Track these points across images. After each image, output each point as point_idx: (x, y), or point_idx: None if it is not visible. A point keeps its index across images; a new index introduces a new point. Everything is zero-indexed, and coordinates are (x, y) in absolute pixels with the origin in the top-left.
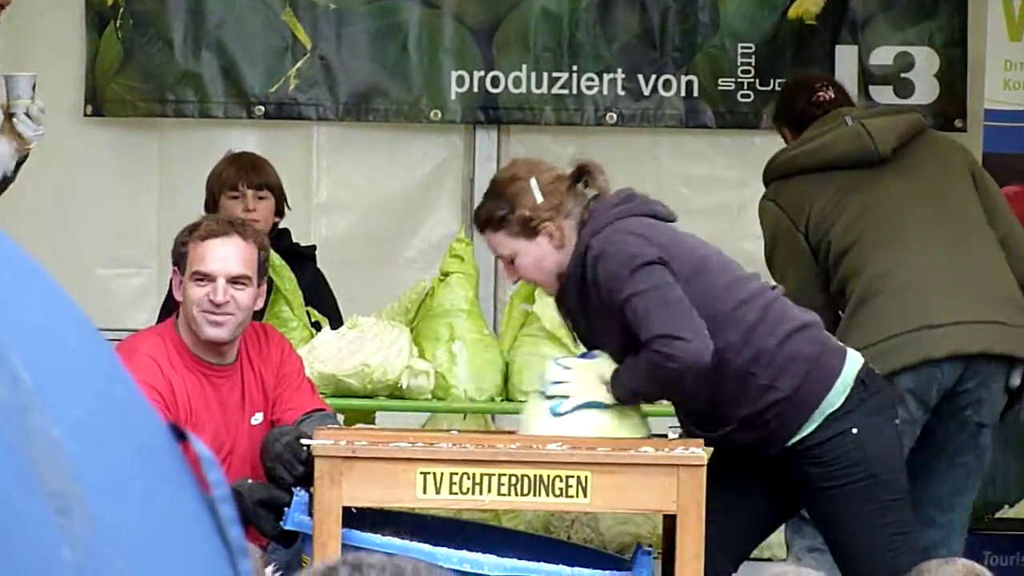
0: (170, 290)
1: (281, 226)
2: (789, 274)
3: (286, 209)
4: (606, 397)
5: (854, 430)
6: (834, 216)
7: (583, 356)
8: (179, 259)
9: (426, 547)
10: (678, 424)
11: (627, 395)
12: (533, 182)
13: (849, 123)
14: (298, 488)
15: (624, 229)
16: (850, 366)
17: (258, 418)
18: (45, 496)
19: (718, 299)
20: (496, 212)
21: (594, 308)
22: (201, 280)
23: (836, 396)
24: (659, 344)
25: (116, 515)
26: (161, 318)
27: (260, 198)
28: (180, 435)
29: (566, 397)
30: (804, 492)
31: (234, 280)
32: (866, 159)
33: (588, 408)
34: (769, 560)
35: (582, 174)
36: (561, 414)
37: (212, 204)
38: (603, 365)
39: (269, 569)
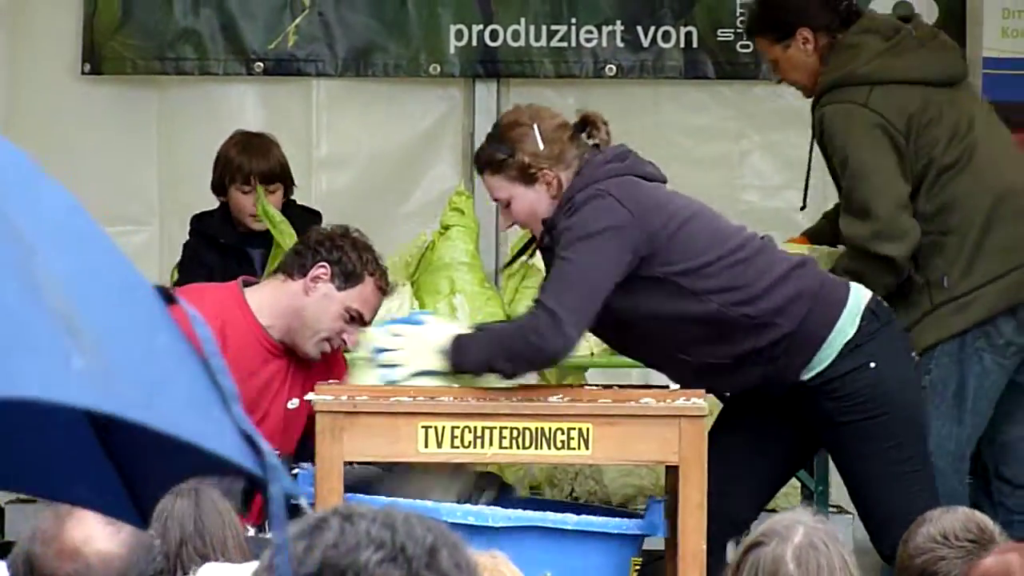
0: (190, 258)
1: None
2: (881, 168)
3: (294, 188)
4: (441, 364)
5: (872, 364)
6: (937, 131)
7: (407, 321)
8: (347, 273)
9: (430, 503)
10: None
11: (467, 366)
12: (536, 129)
13: (914, 39)
14: (301, 462)
15: (606, 188)
16: (855, 296)
17: (295, 403)
18: (52, 313)
19: (705, 249)
20: (496, 155)
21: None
22: (351, 319)
23: (847, 324)
24: (538, 313)
25: (117, 346)
26: (182, 279)
27: (271, 191)
28: (169, 298)
29: (396, 365)
30: (821, 427)
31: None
32: (952, 79)
33: (422, 376)
34: (775, 512)
35: (586, 124)
36: (396, 382)
37: (220, 188)
38: (434, 330)
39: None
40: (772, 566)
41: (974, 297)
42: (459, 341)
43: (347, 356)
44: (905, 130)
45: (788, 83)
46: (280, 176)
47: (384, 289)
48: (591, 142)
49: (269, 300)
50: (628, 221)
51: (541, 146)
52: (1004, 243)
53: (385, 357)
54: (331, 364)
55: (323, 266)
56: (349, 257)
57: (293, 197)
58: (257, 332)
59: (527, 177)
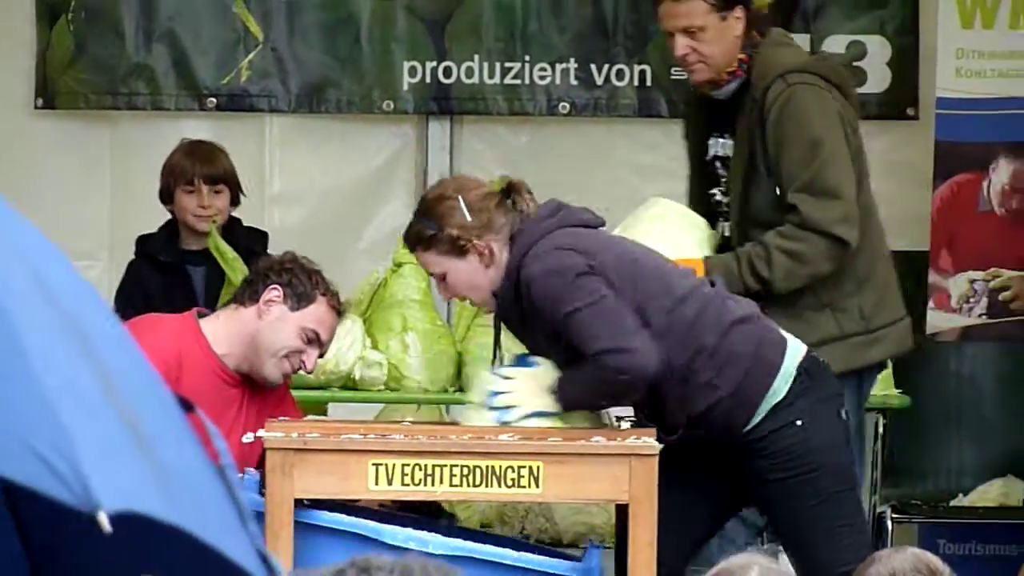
0: (131, 279)
1: (234, 215)
2: (846, 154)
3: (241, 197)
4: (552, 405)
5: (798, 422)
6: (860, 155)
7: (519, 363)
8: (300, 294)
9: (372, 523)
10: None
11: (572, 403)
12: (461, 200)
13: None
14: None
15: (553, 244)
16: (791, 357)
17: (249, 437)
18: (124, 419)
19: (655, 300)
20: (425, 232)
21: (534, 325)
22: (308, 339)
23: (780, 387)
24: (606, 358)
25: (170, 457)
26: (117, 306)
27: (216, 192)
28: (187, 407)
29: (511, 407)
30: (752, 483)
31: (322, 354)
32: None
33: (537, 417)
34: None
35: (510, 192)
36: (510, 423)
37: (167, 195)
38: (545, 372)
39: None
40: None
41: (883, 335)
42: (562, 381)
43: (465, 401)
44: (853, 131)
45: (687, 61)
46: (225, 179)
47: (338, 309)
48: (517, 209)
49: (224, 329)
50: (584, 261)
51: (468, 217)
52: (897, 286)
53: (499, 400)
54: (283, 398)
55: (275, 288)
56: (299, 279)
57: (239, 218)
58: (212, 362)
59: (458, 250)
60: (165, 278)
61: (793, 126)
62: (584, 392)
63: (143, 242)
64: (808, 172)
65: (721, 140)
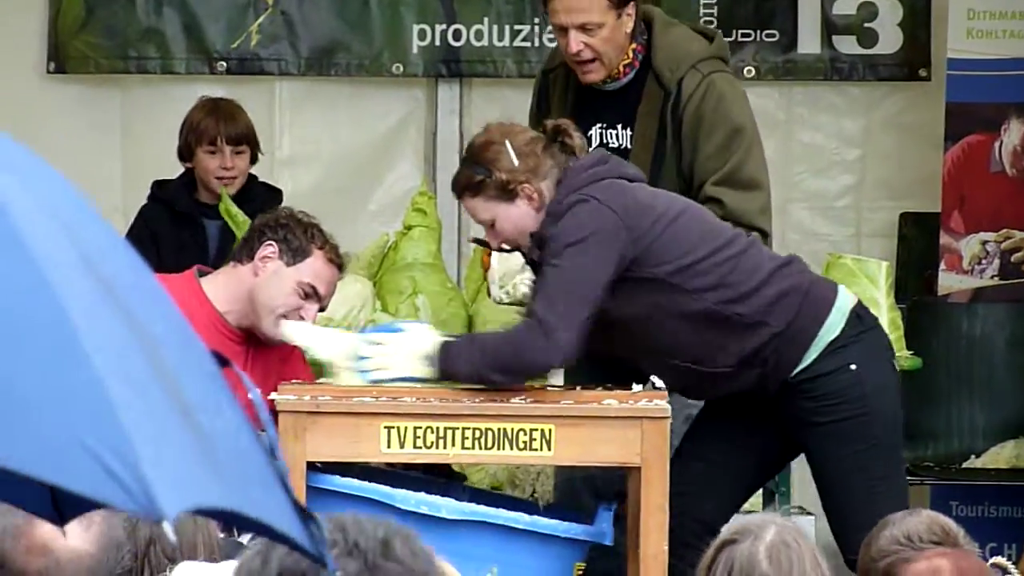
0: (142, 223)
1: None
2: (760, 143)
3: (259, 155)
4: (425, 371)
5: (853, 366)
6: None
7: (386, 329)
8: (295, 249)
9: (385, 488)
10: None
11: (453, 374)
12: (508, 145)
13: None
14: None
15: (591, 193)
16: (843, 298)
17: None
18: (173, 400)
19: (695, 246)
20: (473, 177)
21: None
22: (306, 295)
23: (834, 324)
24: (534, 324)
25: (217, 431)
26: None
27: (238, 153)
28: (223, 361)
29: (379, 370)
30: (797, 428)
31: (322, 308)
32: None
33: (405, 382)
34: (746, 513)
35: (557, 134)
36: (377, 382)
37: (187, 153)
38: (417, 337)
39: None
40: (746, 564)
41: None
42: (447, 348)
43: (326, 361)
44: None
45: (581, 58)
46: (247, 138)
47: (336, 262)
48: (565, 151)
49: (223, 287)
50: (615, 223)
51: (516, 161)
52: None
53: (367, 364)
54: (289, 354)
55: (270, 244)
56: (295, 233)
57: (255, 174)
58: (215, 320)
59: (507, 194)
60: (178, 227)
61: (714, 116)
62: (478, 360)
63: (159, 186)
64: (730, 163)
65: (612, 131)
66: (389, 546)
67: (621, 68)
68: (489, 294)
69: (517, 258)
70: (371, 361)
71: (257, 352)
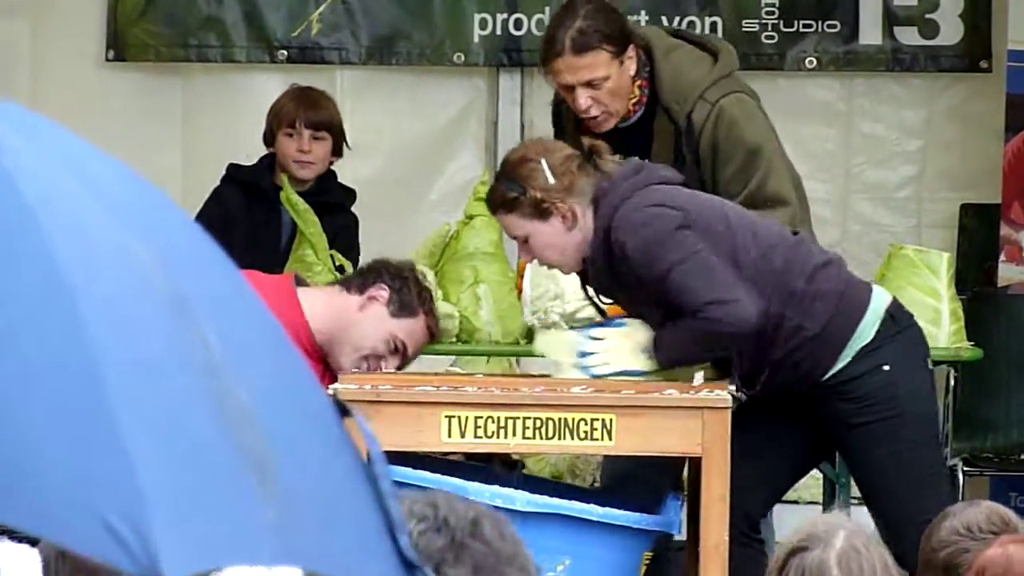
0: (215, 202)
1: (332, 168)
2: (782, 155)
3: (345, 148)
4: (645, 364)
5: (886, 367)
6: None
7: (608, 324)
8: (402, 296)
9: (457, 480)
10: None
11: (672, 360)
12: (544, 163)
13: None
14: None
15: (643, 202)
16: (877, 300)
17: None
18: (244, 457)
19: (745, 249)
20: (508, 194)
21: (629, 284)
22: (396, 348)
23: (867, 329)
24: (709, 310)
25: (302, 483)
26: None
27: (316, 138)
28: (343, 411)
29: (603, 365)
30: (834, 429)
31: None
32: None
33: (627, 376)
34: (795, 503)
35: (592, 154)
36: (599, 377)
37: (270, 137)
38: (636, 330)
39: None
40: (817, 572)
41: None
42: (660, 338)
43: (551, 359)
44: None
45: (590, 114)
46: (328, 126)
47: (434, 332)
48: (599, 171)
49: (321, 304)
50: (679, 215)
51: (552, 180)
52: None
53: (590, 359)
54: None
55: (383, 288)
56: (410, 290)
57: (335, 171)
58: (301, 330)
59: (541, 212)
60: (253, 210)
61: (727, 143)
62: (684, 346)
63: (236, 169)
64: (750, 185)
65: None
66: (478, 526)
67: (630, 107)
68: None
69: (549, 285)
70: (594, 356)
71: (326, 373)
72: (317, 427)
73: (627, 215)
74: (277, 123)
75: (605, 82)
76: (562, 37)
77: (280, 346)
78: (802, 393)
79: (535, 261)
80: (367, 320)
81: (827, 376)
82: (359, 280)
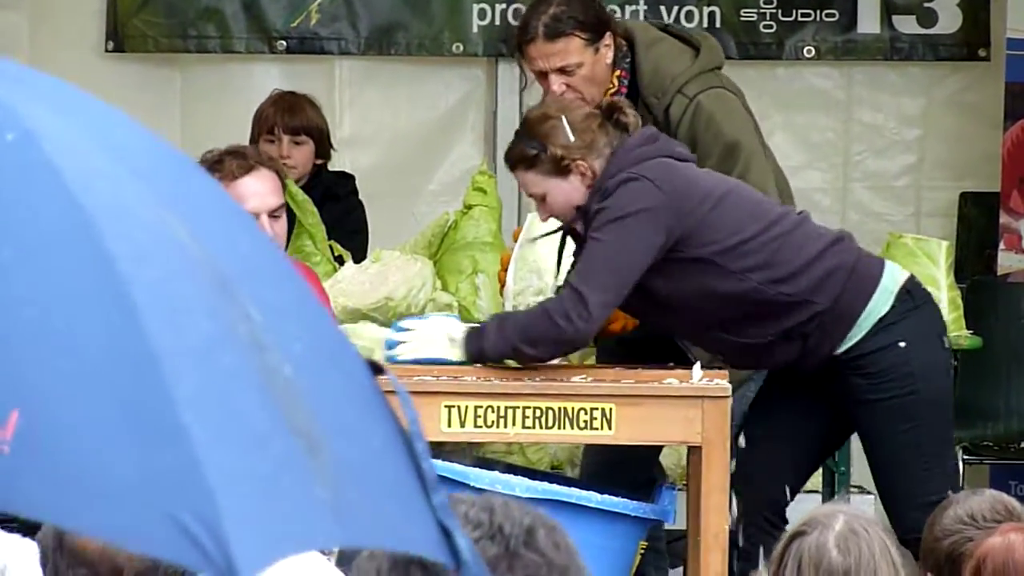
0: None
1: (319, 162)
2: (761, 150)
3: (331, 151)
4: (453, 354)
5: (902, 343)
6: None
7: (420, 318)
8: None
9: (458, 467)
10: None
11: (485, 353)
12: (564, 120)
13: None
14: None
15: (640, 171)
16: (891, 274)
17: None
18: (296, 436)
19: (745, 225)
20: (528, 151)
21: None
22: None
23: (881, 302)
24: (570, 295)
25: (348, 453)
26: None
27: (296, 143)
28: (377, 369)
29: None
30: (850, 404)
31: (272, 213)
32: None
33: (430, 363)
34: (808, 492)
35: (612, 111)
36: (397, 361)
37: (255, 142)
38: (449, 322)
39: None
40: (816, 554)
41: None
42: (478, 329)
43: (361, 347)
44: (748, 111)
45: (560, 105)
46: (307, 130)
47: (243, 168)
48: (619, 128)
49: None
50: (662, 202)
51: (572, 137)
52: None
53: (398, 349)
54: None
55: None
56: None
57: (324, 163)
58: None
59: (561, 170)
60: None
61: (706, 137)
62: (509, 334)
63: None
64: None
65: None
66: (533, 535)
67: (609, 97)
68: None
69: (532, 279)
70: (402, 346)
71: None
72: (355, 390)
73: (618, 179)
74: (258, 129)
75: (579, 69)
76: (535, 23)
77: (312, 308)
78: (816, 370)
79: (517, 252)
80: None
81: (841, 351)
82: None
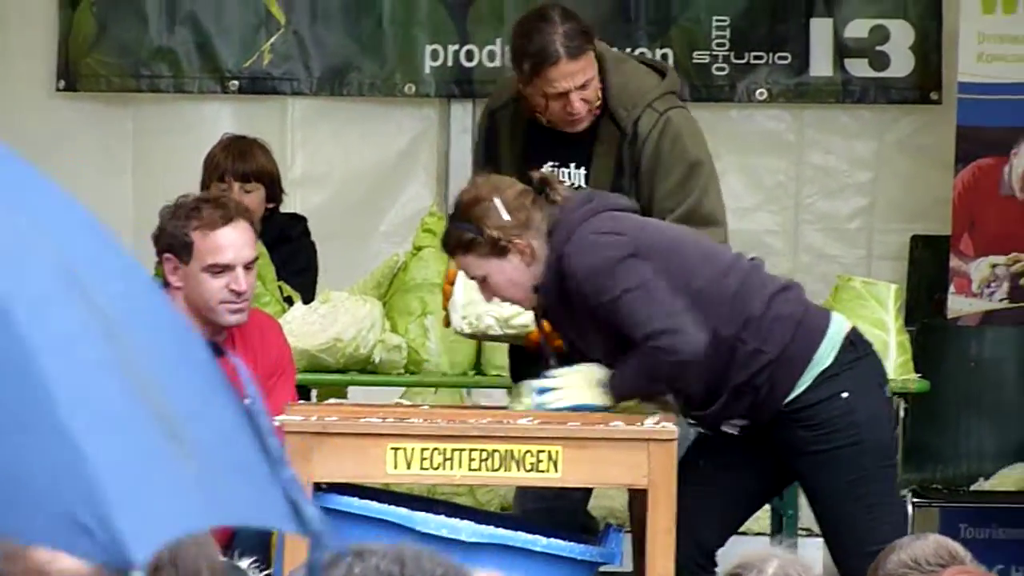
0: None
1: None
2: (716, 176)
3: (282, 196)
4: (599, 398)
5: (844, 394)
6: None
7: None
8: (180, 248)
9: (404, 511)
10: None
11: (625, 394)
12: (497, 201)
13: None
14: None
15: (593, 229)
16: (836, 325)
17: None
18: (159, 421)
19: (698, 275)
20: (464, 235)
21: (580, 314)
22: (220, 272)
23: (825, 353)
24: (656, 340)
25: (202, 434)
26: None
27: (247, 191)
28: (218, 351)
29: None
30: (792, 456)
31: (247, 265)
32: None
33: (581, 410)
34: (744, 534)
35: (544, 186)
36: (551, 409)
37: (206, 188)
38: (593, 368)
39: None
40: None
41: None
42: (614, 374)
43: (511, 404)
44: None
45: (580, 115)
46: (257, 176)
47: (221, 222)
48: (552, 202)
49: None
50: (630, 243)
51: (506, 217)
52: None
53: (546, 396)
54: (279, 353)
55: (167, 259)
56: (170, 234)
57: (275, 206)
58: None
59: (499, 251)
60: None
61: (671, 153)
62: (636, 379)
63: None
64: (688, 200)
65: (564, 169)
66: None
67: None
68: (447, 324)
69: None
70: (550, 393)
71: (245, 350)
72: (201, 374)
73: (577, 243)
74: (208, 175)
75: (592, 82)
76: (554, 46)
77: (156, 297)
78: (764, 422)
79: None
80: (191, 290)
81: (787, 402)
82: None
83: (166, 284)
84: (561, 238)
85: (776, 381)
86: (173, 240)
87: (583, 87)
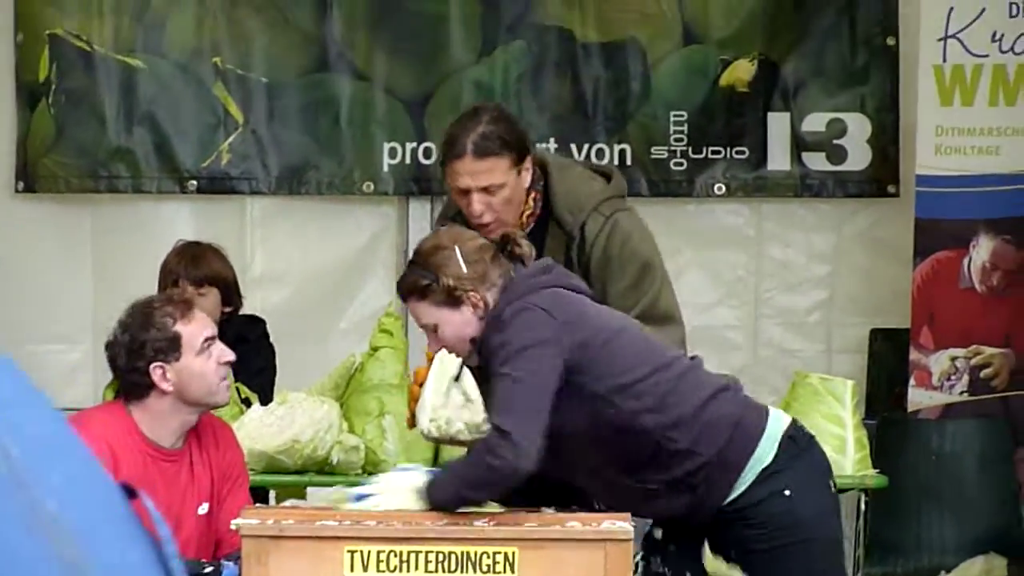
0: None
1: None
2: (667, 279)
3: (240, 300)
4: (417, 506)
5: (787, 492)
6: None
7: (395, 469)
8: (168, 347)
9: None
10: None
11: (444, 504)
12: (457, 251)
13: None
14: (225, 560)
15: (534, 301)
16: (774, 423)
17: (204, 508)
18: (67, 566)
19: (633, 366)
20: (420, 281)
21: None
22: (203, 349)
23: (765, 451)
24: (494, 435)
25: (108, 573)
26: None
27: (201, 294)
28: (131, 493)
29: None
30: (742, 554)
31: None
32: None
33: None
34: None
35: (506, 242)
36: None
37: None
38: (414, 475)
39: None
40: None
41: None
42: (432, 481)
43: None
44: None
45: (483, 221)
46: (211, 281)
47: (187, 304)
48: (513, 259)
49: (150, 415)
50: (558, 330)
51: (464, 268)
52: None
53: (366, 502)
54: (232, 457)
55: (155, 368)
56: (152, 341)
57: (233, 309)
58: (144, 447)
59: (452, 300)
60: None
61: (622, 255)
62: (457, 488)
63: None
64: (644, 299)
65: None
66: None
67: (524, 219)
68: (412, 425)
69: (456, 396)
70: (368, 500)
71: (200, 461)
72: (113, 514)
73: (515, 309)
74: (163, 280)
75: (501, 189)
76: (464, 140)
77: (68, 439)
78: (708, 522)
79: (437, 366)
80: (185, 385)
81: (728, 501)
82: (141, 383)
83: (128, 398)
84: (508, 298)
85: (713, 481)
86: (158, 344)
87: (487, 191)
